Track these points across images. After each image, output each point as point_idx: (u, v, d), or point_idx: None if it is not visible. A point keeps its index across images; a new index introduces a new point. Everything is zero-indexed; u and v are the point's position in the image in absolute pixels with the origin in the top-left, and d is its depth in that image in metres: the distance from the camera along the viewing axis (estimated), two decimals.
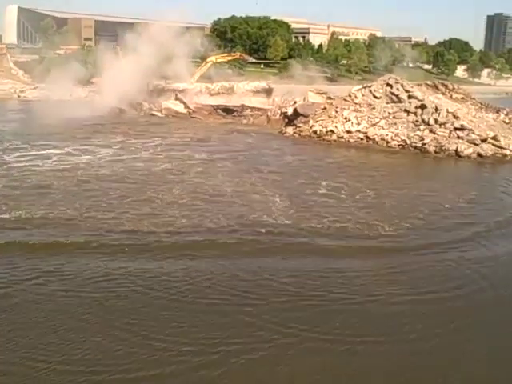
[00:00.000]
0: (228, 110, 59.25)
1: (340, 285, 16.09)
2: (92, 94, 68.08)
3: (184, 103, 60.18)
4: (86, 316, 13.69)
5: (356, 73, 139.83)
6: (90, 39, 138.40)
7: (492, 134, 40.10)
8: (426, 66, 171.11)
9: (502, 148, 39.03)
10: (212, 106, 60.03)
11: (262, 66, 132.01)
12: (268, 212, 22.28)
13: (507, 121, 44.46)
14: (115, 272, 16.12)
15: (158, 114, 59.61)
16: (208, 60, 75.87)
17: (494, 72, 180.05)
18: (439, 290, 16.13)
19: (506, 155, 38.58)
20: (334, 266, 17.48)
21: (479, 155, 38.36)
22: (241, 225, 20.58)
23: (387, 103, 44.46)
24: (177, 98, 60.82)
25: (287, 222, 21.24)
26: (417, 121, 42.14)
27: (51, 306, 14.07)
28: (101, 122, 49.85)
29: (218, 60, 78.59)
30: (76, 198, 23.54)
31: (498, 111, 46.05)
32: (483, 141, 39.44)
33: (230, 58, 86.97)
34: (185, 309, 14.29)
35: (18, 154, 33.69)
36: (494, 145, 39.28)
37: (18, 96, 79.87)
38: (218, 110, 59.63)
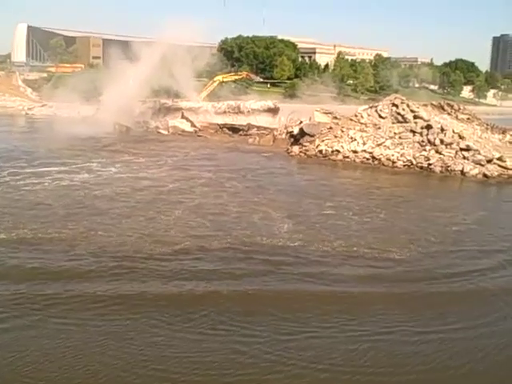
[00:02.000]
0: (234, 129, 59.61)
1: (353, 316, 15.10)
2: (99, 112, 68.66)
3: (190, 122, 60.57)
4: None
5: (362, 93, 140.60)
6: (98, 58, 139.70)
7: (498, 155, 40.10)
8: (432, 87, 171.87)
9: (507, 169, 38.96)
10: (218, 124, 60.46)
11: (268, 85, 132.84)
12: (274, 235, 21.67)
13: None
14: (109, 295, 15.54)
15: (165, 132, 59.92)
16: (215, 79, 76.57)
17: (500, 93, 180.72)
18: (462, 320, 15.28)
19: (511, 176, 38.52)
20: (345, 295, 16.44)
21: (485, 176, 38.29)
22: (246, 251, 19.67)
23: (393, 123, 44.55)
24: (183, 117, 61.18)
25: (293, 244, 20.56)
26: (422, 141, 42.18)
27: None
28: (107, 139, 50.09)
29: (225, 79, 79.29)
30: (75, 218, 23.03)
31: (503, 132, 46.00)
32: (489, 161, 39.42)
33: (236, 77, 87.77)
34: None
35: (18, 171, 33.32)
36: (499, 166, 39.24)
37: (26, 113, 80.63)
38: (225, 129, 60.05)
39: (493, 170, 38.84)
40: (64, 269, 17.29)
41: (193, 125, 60.40)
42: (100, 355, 12.53)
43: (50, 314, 14.34)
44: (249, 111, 60.69)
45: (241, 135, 58.43)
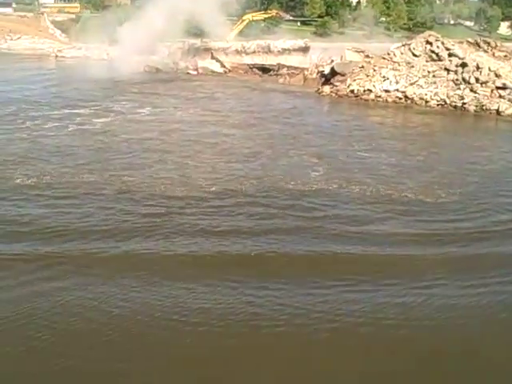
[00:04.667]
0: (264, 69, 58.92)
1: (389, 267, 14.34)
2: (128, 52, 68.22)
3: (220, 62, 59.95)
4: None
5: (395, 30, 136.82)
6: None
7: None
8: (468, 23, 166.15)
9: None
10: (248, 65, 59.74)
11: (298, 23, 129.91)
12: (309, 180, 21.01)
13: None
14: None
15: (194, 73, 59.48)
16: (244, 18, 75.00)
17: None
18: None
19: None
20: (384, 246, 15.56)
21: None
22: (277, 196, 19.06)
23: (427, 61, 43.48)
24: (213, 57, 60.56)
25: (330, 188, 20.01)
26: (457, 79, 41.21)
27: None
28: (136, 81, 49.65)
29: (255, 18, 77.67)
30: (101, 162, 22.56)
31: None
32: None
33: (266, 15, 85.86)
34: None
35: (44, 113, 32.54)
36: None
37: (56, 56, 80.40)
38: (255, 69, 59.35)
39: None
40: (91, 214, 17.01)
41: (222, 65, 59.81)
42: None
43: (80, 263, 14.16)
44: (279, 51, 59.72)
45: (271, 75, 57.77)
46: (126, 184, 19.79)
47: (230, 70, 59.28)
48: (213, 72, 59.23)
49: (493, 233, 16.78)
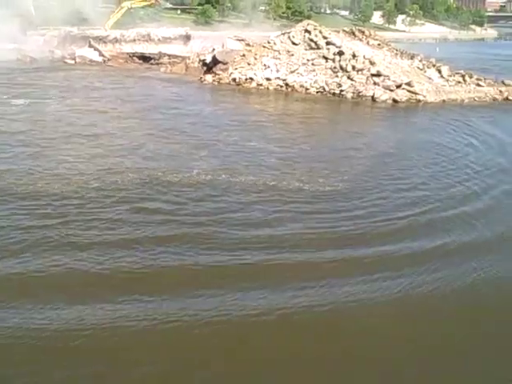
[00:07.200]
0: (145, 58, 58.05)
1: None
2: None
3: (98, 51, 58.18)
4: None
5: (274, 19, 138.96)
6: None
7: (406, 80, 40.88)
8: (343, 13, 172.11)
9: (416, 93, 39.92)
10: (128, 53, 58.49)
11: (178, 11, 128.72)
12: (193, 173, 20.20)
13: (421, 67, 45.40)
14: None
15: (72, 62, 57.31)
16: (122, 5, 73.16)
17: (409, 19, 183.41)
18: None
19: (419, 100, 39.52)
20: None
21: (394, 101, 39.15)
22: (161, 190, 18.40)
23: (306, 50, 44.46)
24: (91, 46, 58.66)
25: (218, 179, 19.49)
26: (335, 67, 42.43)
27: None
28: (8, 71, 47.06)
29: (133, 5, 75.94)
30: None
31: (412, 57, 46.89)
32: (398, 87, 40.17)
33: (145, 3, 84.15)
34: None
35: None
36: (408, 90, 40.10)
37: None
38: (135, 58, 58.24)
39: (402, 95, 39.67)
40: None
41: (101, 54, 58.06)
42: None
43: None
44: (159, 39, 59.07)
45: (152, 64, 56.93)
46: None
47: (109, 59, 57.66)
48: (91, 61, 57.33)
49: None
